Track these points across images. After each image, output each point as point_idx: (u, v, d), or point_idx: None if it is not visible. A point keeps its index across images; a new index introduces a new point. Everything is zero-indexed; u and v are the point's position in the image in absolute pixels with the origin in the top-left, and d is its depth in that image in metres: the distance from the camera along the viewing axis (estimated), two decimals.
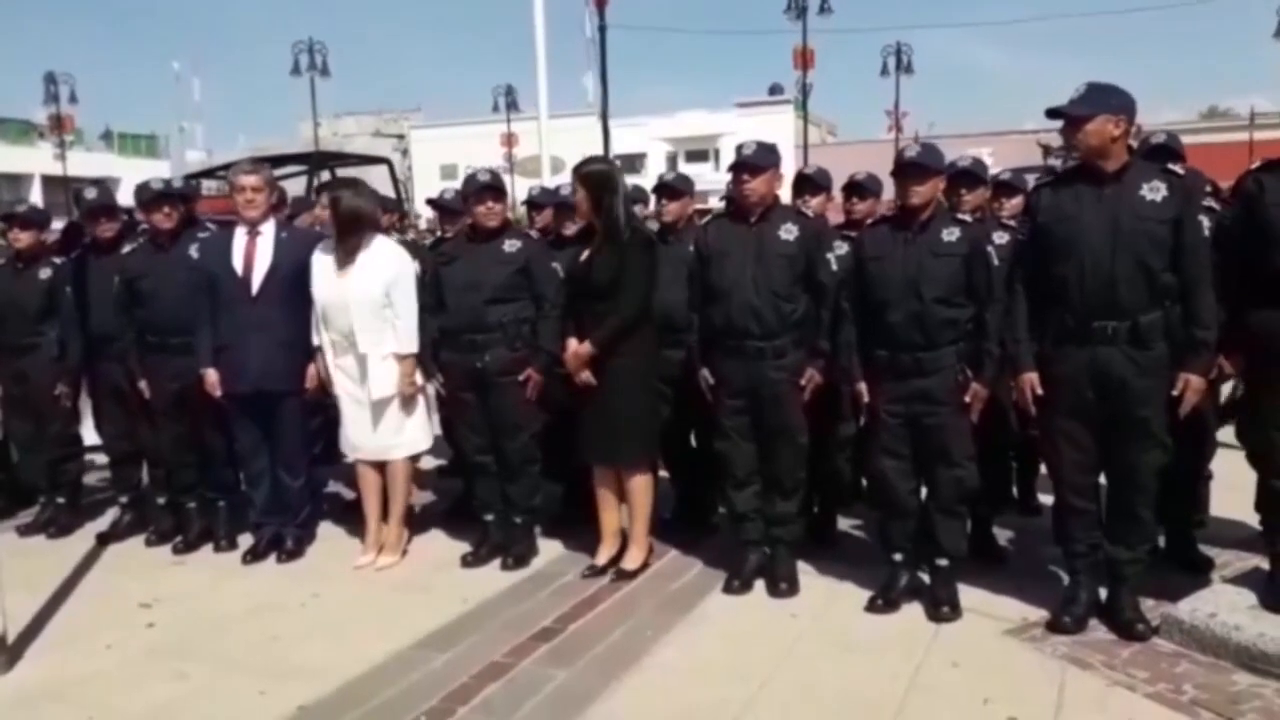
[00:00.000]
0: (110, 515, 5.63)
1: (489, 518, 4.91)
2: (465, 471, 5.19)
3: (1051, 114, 3.73)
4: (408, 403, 4.81)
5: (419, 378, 4.82)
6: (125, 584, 4.72)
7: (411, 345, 4.74)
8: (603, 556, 4.63)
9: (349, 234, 4.67)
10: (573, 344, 4.43)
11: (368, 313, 4.67)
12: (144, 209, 5.13)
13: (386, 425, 4.81)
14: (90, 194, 5.45)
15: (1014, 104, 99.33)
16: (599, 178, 4.43)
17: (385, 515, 4.95)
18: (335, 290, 4.70)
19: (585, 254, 4.49)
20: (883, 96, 32.19)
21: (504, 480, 4.84)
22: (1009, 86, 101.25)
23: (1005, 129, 39.62)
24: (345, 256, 4.69)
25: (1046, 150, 21.00)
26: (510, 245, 4.73)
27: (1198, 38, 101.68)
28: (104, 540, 5.34)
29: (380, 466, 4.91)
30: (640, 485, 4.54)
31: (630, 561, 4.56)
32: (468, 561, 4.82)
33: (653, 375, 4.56)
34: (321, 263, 4.77)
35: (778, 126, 41.07)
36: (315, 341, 4.83)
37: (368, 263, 4.70)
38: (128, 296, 5.09)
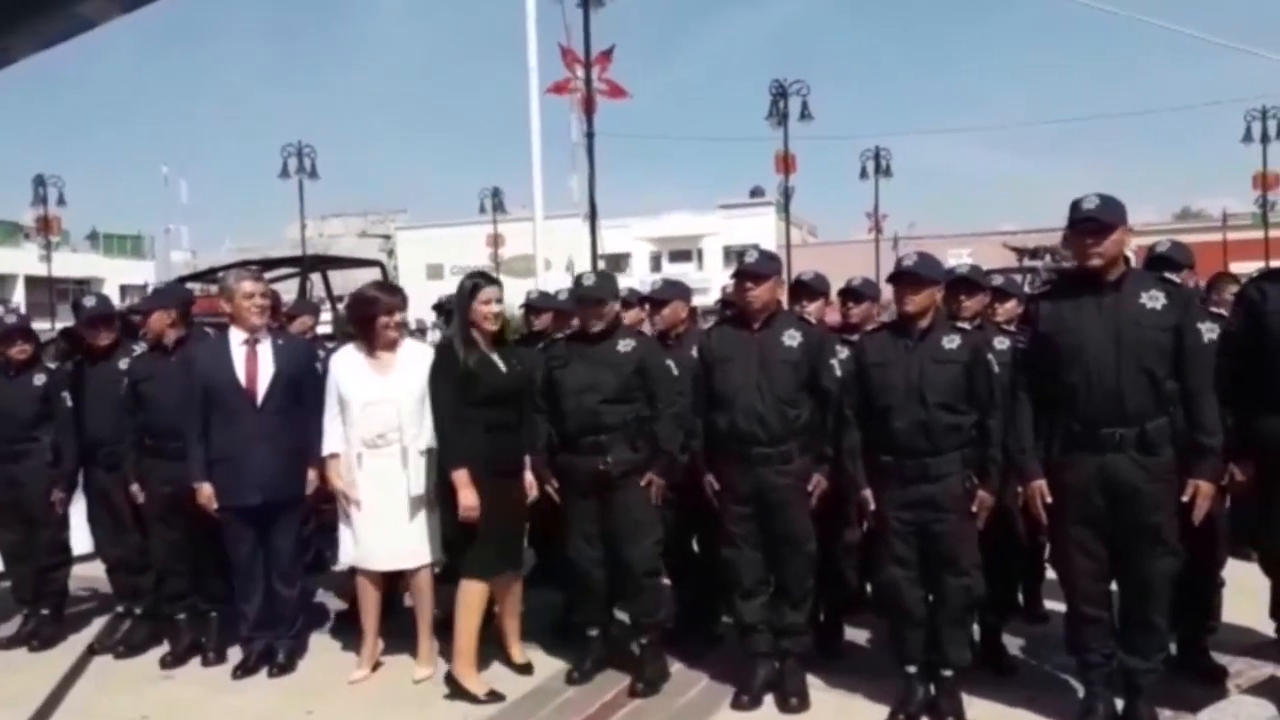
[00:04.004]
0: (95, 626, 5.47)
1: None
2: None
3: (1084, 220, 3.65)
4: (430, 507, 4.65)
5: None
6: (112, 700, 4.57)
7: None
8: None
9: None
10: None
11: (414, 407, 4.59)
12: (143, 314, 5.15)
13: (413, 531, 4.64)
14: (90, 302, 5.46)
15: (992, 205, 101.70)
16: None
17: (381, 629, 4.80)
18: (378, 389, 4.62)
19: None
20: (862, 198, 32.79)
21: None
22: (987, 189, 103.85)
23: (984, 230, 40.46)
24: (383, 356, 4.67)
25: (1020, 253, 21.14)
26: (625, 345, 4.51)
27: (1169, 141, 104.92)
28: (93, 651, 5.20)
29: (385, 578, 4.78)
30: None
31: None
32: None
33: None
34: (350, 364, 4.70)
35: (760, 228, 42.15)
36: (331, 448, 4.68)
37: (406, 361, 4.67)
38: (134, 400, 5.05)
